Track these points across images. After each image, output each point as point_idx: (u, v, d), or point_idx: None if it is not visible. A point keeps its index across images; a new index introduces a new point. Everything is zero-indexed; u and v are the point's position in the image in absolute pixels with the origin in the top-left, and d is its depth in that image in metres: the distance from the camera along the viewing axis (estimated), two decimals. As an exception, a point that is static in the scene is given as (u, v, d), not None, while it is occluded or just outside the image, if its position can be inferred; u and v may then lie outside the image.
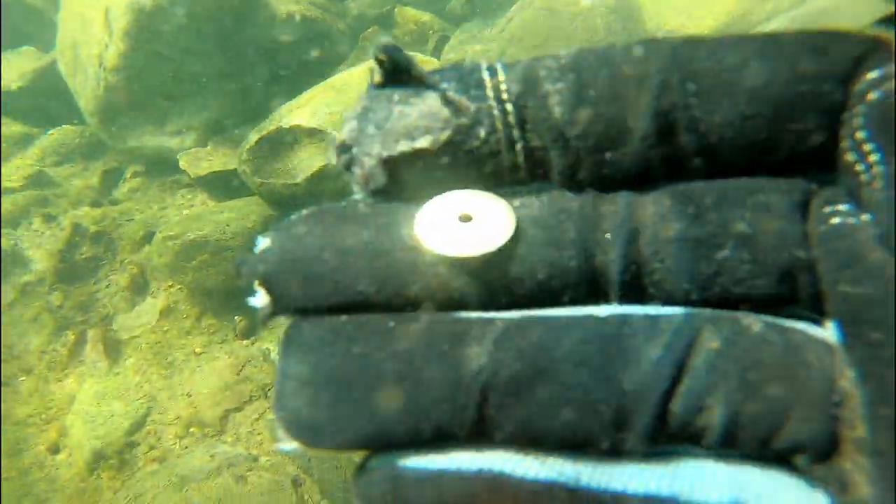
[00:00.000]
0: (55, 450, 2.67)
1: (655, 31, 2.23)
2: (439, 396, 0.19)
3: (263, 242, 0.21)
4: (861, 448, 0.17)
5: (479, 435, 0.19)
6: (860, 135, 0.19)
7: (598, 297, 0.20)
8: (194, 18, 2.84)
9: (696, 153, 0.20)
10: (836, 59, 0.19)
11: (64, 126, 3.86)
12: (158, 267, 2.82)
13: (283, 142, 2.62)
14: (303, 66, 3.30)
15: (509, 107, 0.21)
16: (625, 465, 0.18)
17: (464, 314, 0.20)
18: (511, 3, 2.75)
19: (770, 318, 0.19)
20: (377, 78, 0.22)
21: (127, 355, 3.03)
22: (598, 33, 2.16)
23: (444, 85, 0.21)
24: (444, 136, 0.21)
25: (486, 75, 0.21)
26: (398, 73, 0.22)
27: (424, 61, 2.88)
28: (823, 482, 0.18)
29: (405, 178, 0.21)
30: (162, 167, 3.53)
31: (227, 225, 2.74)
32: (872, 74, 0.19)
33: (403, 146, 0.21)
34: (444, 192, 0.21)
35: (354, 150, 0.22)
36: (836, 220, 0.19)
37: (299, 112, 2.54)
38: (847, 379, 0.18)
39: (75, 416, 2.67)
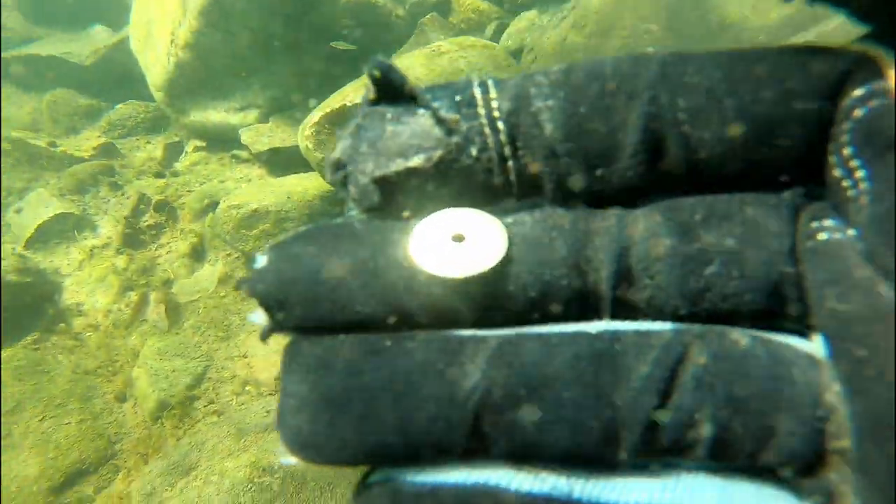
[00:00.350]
0: (122, 398, 2.87)
1: (720, 21, 2.27)
2: (436, 414, 0.19)
3: (261, 261, 0.22)
4: (847, 461, 0.18)
5: (475, 450, 0.19)
6: (847, 151, 0.19)
7: (589, 312, 0.21)
8: (265, 0, 2.99)
9: (685, 168, 0.21)
10: (823, 76, 0.20)
11: (130, 101, 4.10)
12: (221, 234, 2.99)
13: (347, 118, 2.76)
14: (361, 48, 3.44)
15: (500, 125, 0.22)
16: (617, 478, 0.19)
17: (458, 332, 0.20)
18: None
19: (757, 333, 0.20)
20: (371, 95, 0.23)
21: (186, 317, 3.22)
22: (665, 21, 2.23)
23: (436, 103, 0.22)
24: (437, 154, 0.21)
25: (477, 93, 0.22)
26: (391, 91, 0.22)
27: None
28: (810, 494, 0.19)
29: (399, 196, 0.22)
30: (222, 142, 3.72)
31: (288, 197, 2.89)
32: (858, 91, 0.19)
33: (397, 165, 0.22)
34: (437, 209, 0.22)
35: (349, 167, 0.22)
36: (822, 236, 0.19)
37: (364, 91, 2.67)
38: (833, 393, 0.18)
39: (140, 370, 2.86)
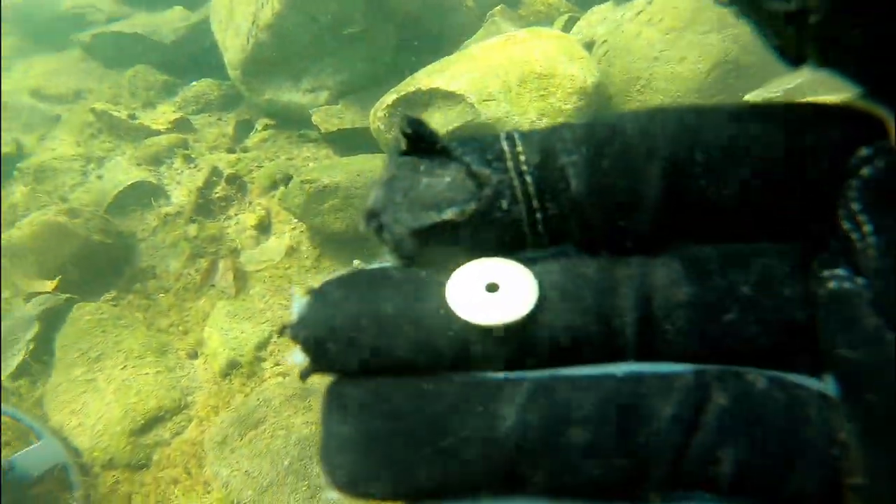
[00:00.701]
0: (193, 356, 3.09)
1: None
2: (475, 455, 0.20)
3: (300, 304, 0.23)
4: (861, 496, 0.19)
5: (511, 487, 0.21)
6: (854, 206, 0.20)
7: (615, 355, 0.22)
8: (348, -16, 3.17)
9: (702, 219, 0.22)
10: (833, 135, 0.21)
11: (205, 79, 4.34)
12: (291, 207, 3.18)
13: (419, 103, 2.90)
14: (430, 36, 3.58)
15: (528, 178, 0.23)
16: None
17: (492, 374, 0.22)
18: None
19: (773, 374, 0.21)
20: (402, 146, 0.24)
21: (252, 285, 3.43)
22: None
23: (468, 158, 0.23)
24: (470, 208, 0.23)
25: (505, 146, 0.23)
26: (423, 144, 0.24)
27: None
28: None
29: (433, 247, 0.23)
30: (291, 122, 3.92)
31: (358, 175, 3.05)
32: (865, 151, 0.20)
33: (431, 217, 0.23)
34: (468, 257, 0.23)
35: (383, 217, 0.24)
36: (832, 285, 0.20)
37: (438, 76, 2.81)
38: (846, 431, 0.19)
39: (211, 330, 3.08)
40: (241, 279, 3.44)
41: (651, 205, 0.22)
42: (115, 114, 4.21)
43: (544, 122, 2.78)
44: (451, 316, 0.22)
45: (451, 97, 2.75)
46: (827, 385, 0.21)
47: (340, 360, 0.22)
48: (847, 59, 0.21)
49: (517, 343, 0.22)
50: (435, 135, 0.24)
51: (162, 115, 4.24)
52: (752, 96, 2.41)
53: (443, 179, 0.23)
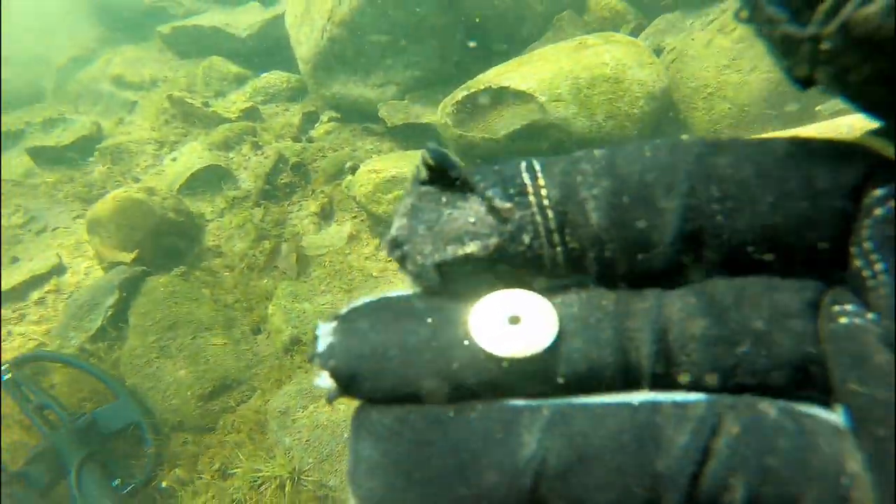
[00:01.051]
0: (257, 331, 3.28)
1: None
2: (498, 481, 0.21)
3: (325, 331, 0.24)
4: None
5: None
6: (867, 245, 0.21)
7: (631, 385, 0.22)
8: (425, -15, 3.33)
9: (718, 254, 0.23)
10: (847, 175, 0.22)
11: (275, 71, 4.58)
12: (356, 196, 3.34)
13: (487, 101, 3.03)
14: (498, 38, 3.72)
15: (550, 213, 0.23)
16: None
17: (513, 402, 0.23)
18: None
19: (784, 404, 0.21)
20: (423, 175, 0.25)
21: (313, 269, 3.61)
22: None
23: (490, 192, 0.24)
24: (492, 242, 0.23)
25: (527, 179, 0.24)
26: (444, 176, 0.24)
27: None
28: None
29: (454, 278, 0.24)
30: (356, 115, 4.11)
31: (423, 167, 3.19)
32: (878, 191, 0.21)
33: (454, 251, 0.23)
34: (490, 288, 0.24)
35: (405, 247, 0.24)
36: (844, 320, 0.21)
37: (509, 76, 2.94)
38: (856, 461, 0.20)
39: (275, 308, 3.26)
40: (303, 262, 3.63)
41: (669, 240, 0.23)
42: (190, 101, 4.48)
43: (611, 125, 2.87)
44: (474, 347, 0.23)
45: (520, 96, 2.87)
46: (838, 415, 0.21)
47: (367, 388, 0.24)
48: (855, 89, 0.22)
49: (538, 373, 0.23)
50: (457, 166, 0.25)
51: (233, 104, 4.50)
52: (823, 107, 2.45)
53: (465, 212, 0.24)
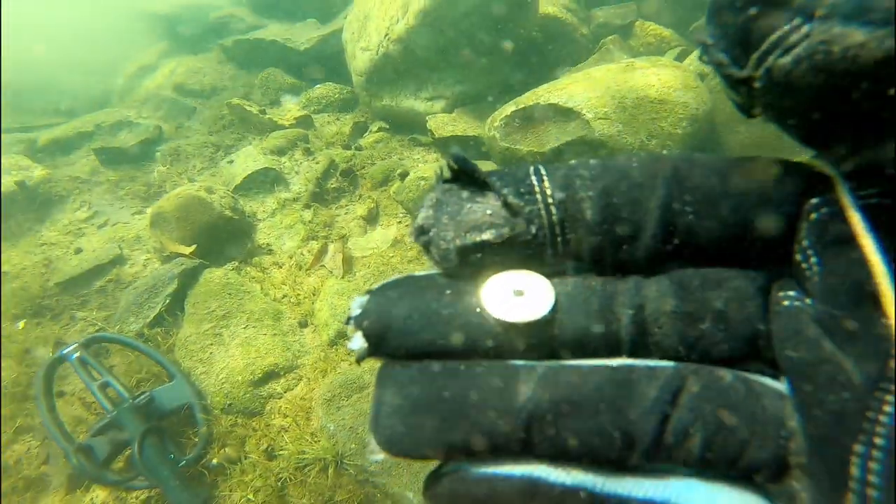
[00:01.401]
0: (304, 325, 3.48)
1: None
2: (496, 420, 0.26)
3: (359, 302, 0.29)
4: (803, 472, 0.24)
5: (523, 450, 0.26)
6: (804, 243, 0.26)
7: (612, 352, 0.27)
8: (480, 6, 3.55)
9: (689, 248, 0.28)
10: (793, 186, 0.27)
11: (328, 83, 4.87)
12: (404, 201, 3.54)
13: (534, 116, 3.21)
14: (543, 58, 3.92)
15: (553, 209, 0.28)
16: (630, 477, 0.25)
17: (514, 362, 0.27)
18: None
19: (738, 372, 0.26)
20: (446, 175, 0.29)
21: (358, 269, 3.80)
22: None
23: (504, 190, 0.28)
24: (505, 231, 0.28)
25: (534, 180, 0.28)
26: (465, 175, 0.29)
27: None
28: (778, 498, 0.24)
29: (471, 260, 0.28)
30: (404, 126, 4.34)
31: (469, 177, 3.38)
32: (814, 200, 0.26)
33: (473, 237, 0.28)
34: (500, 270, 0.28)
35: (431, 233, 0.29)
36: (786, 303, 0.26)
37: (557, 93, 3.12)
38: (794, 421, 0.24)
39: (322, 303, 3.45)
40: (349, 263, 3.83)
41: (650, 234, 0.27)
42: (248, 108, 4.78)
43: (653, 143, 3.01)
44: (485, 313, 0.27)
45: (568, 113, 3.04)
46: (782, 384, 0.26)
47: (394, 345, 0.28)
48: (783, 121, 0.26)
49: (536, 337, 0.27)
50: (477, 168, 0.29)
51: (288, 112, 4.78)
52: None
53: (483, 206, 0.28)
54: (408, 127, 4.28)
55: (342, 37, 4.55)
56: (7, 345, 3.87)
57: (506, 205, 0.28)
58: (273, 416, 3.08)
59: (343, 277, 3.78)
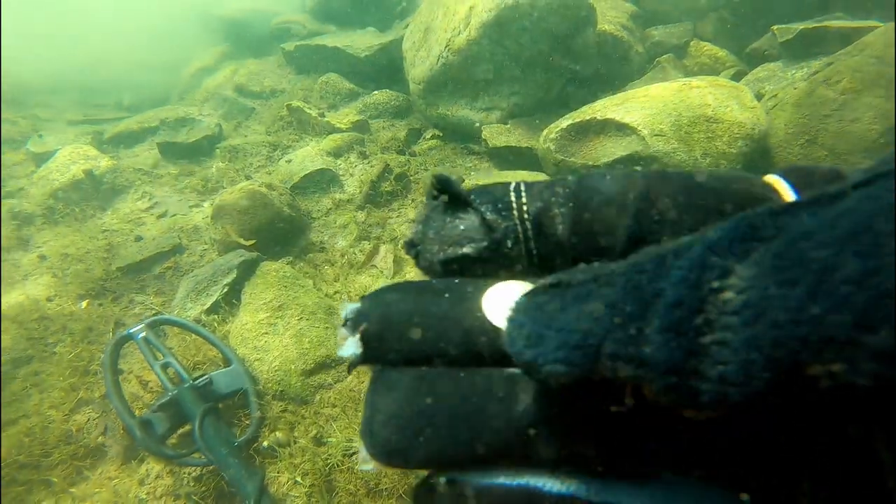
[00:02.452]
0: (355, 320, 3.67)
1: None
2: (497, 430, 0.26)
3: (351, 308, 0.30)
4: None
5: (523, 458, 0.26)
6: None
7: None
8: (541, 22, 3.73)
9: None
10: (745, 200, 0.30)
11: (385, 90, 5.11)
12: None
13: (590, 130, 3.35)
14: (599, 74, 4.06)
15: (528, 224, 0.31)
16: (620, 485, 0.26)
17: (513, 370, 0.28)
18: (825, 51, 3.20)
19: None
20: (433, 193, 0.32)
21: (407, 270, 3.98)
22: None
23: (483, 207, 0.31)
24: (482, 245, 0.30)
25: (513, 197, 0.31)
26: (450, 194, 0.32)
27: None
28: None
29: (454, 269, 0.32)
30: (457, 135, 4.52)
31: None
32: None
33: (454, 251, 0.31)
34: (481, 279, 0.31)
35: (419, 247, 0.32)
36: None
37: (614, 109, 3.25)
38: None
39: (373, 301, 3.63)
40: (398, 264, 4.01)
41: (619, 249, 0.30)
42: (307, 111, 5.05)
43: (707, 161, 3.12)
44: (485, 320, 0.29)
45: (623, 128, 3.17)
46: None
47: (393, 348, 0.29)
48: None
49: None
50: (459, 189, 0.31)
51: (345, 116, 5.03)
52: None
53: (464, 222, 0.31)
54: (461, 136, 4.46)
55: (402, 46, 4.78)
56: (71, 322, 4.17)
57: (483, 221, 0.31)
58: (322, 406, 3.25)
59: (393, 277, 3.96)
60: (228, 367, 3.35)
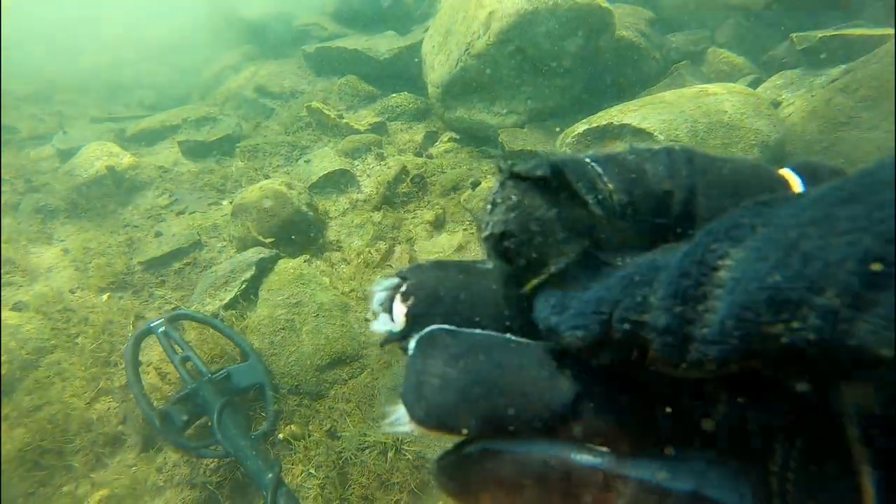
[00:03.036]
0: (370, 318, 3.75)
1: None
2: (547, 400, 0.28)
3: (387, 283, 0.31)
4: None
5: (562, 431, 0.27)
6: None
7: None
8: (559, 28, 3.80)
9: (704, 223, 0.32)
10: (769, 184, 0.34)
11: (403, 93, 5.21)
12: (472, 209, 3.78)
13: (606, 135, 3.42)
14: (616, 80, 4.13)
15: (616, 197, 0.32)
16: (647, 460, 0.28)
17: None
18: (843, 59, 3.24)
19: None
20: (522, 176, 0.32)
21: (421, 271, 4.06)
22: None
23: (575, 184, 0.31)
24: (584, 245, 0.31)
25: (595, 173, 0.32)
26: (531, 177, 0.32)
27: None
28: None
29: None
30: (474, 138, 4.60)
31: (538, 189, 3.60)
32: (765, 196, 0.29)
33: (565, 253, 0.30)
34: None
35: (518, 244, 0.31)
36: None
37: (631, 114, 3.31)
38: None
39: (388, 299, 3.72)
40: (413, 263, 4.09)
41: (677, 213, 0.32)
42: (326, 112, 5.17)
43: (723, 167, 3.16)
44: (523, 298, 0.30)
45: (639, 133, 3.23)
46: None
47: (440, 320, 0.30)
48: None
49: None
50: (544, 172, 0.32)
51: (363, 118, 5.14)
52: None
53: (566, 213, 0.30)
54: (478, 139, 4.54)
55: (421, 49, 4.88)
56: (92, 314, 4.31)
57: (575, 198, 0.31)
58: (337, 401, 3.34)
59: (407, 277, 4.04)
60: (245, 361, 3.45)
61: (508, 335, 0.31)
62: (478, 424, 0.28)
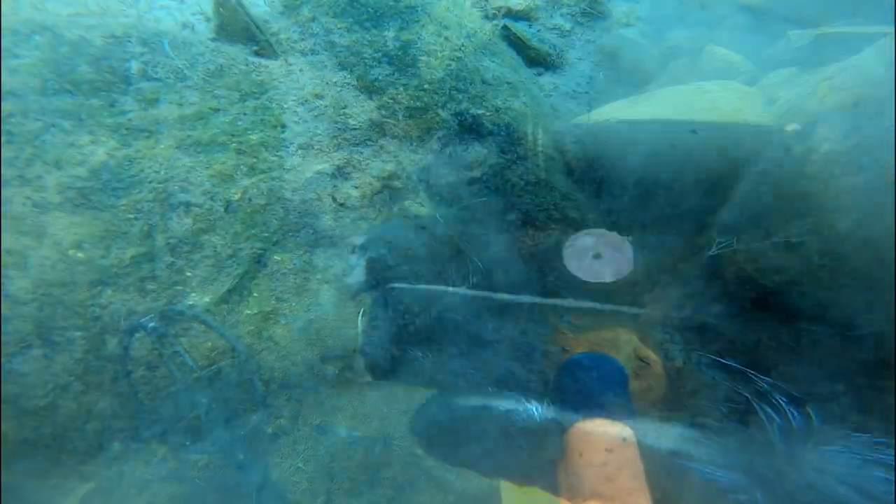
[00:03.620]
0: (363, 314, 3.75)
1: None
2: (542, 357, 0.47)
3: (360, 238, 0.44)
4: None
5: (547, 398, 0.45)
6: None
7: None
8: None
9: None
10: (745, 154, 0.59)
11: (399, 88, 5.20)
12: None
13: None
14: (612, 77, 4.13)
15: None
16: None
17: None
18: (840, 57, 3.23)
19: None
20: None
21: (414, 267, 4.06)
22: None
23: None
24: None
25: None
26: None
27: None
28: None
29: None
30: (469, 134, 4.60)
31: (532, 185, 3.59)
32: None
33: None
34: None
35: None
36: None
37: (626, 111, 3.32)
38: None
39: (380, 295, 3.71)
40: (407, 260, 4.11)
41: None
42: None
43: (717, 164, 3.17)
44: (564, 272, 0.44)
45: (634, 129, 3.24)
46: None
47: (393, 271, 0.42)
48: None
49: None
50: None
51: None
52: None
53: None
54: (473, 135, 4.53)
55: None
56: (82, 311, 4.31)
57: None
58: (327, 395, 3.35)
59: (400, 273, 4.06)
60: (236, 356, 3.46)
61: None
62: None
